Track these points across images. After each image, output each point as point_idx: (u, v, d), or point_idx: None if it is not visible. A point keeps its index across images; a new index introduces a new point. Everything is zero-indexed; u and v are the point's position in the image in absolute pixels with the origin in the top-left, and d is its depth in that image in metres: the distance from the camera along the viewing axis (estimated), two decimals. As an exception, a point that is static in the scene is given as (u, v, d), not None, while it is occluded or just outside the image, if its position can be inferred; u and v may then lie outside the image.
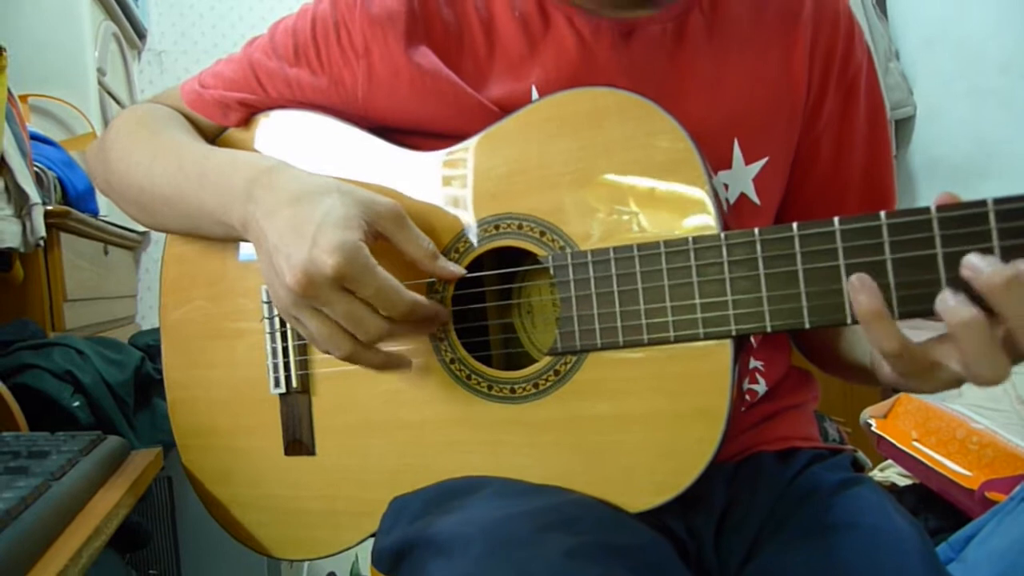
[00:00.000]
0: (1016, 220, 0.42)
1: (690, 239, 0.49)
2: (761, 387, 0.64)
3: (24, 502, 0.48)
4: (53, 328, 1.38)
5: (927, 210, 0.44)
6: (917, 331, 0.45)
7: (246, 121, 0.68)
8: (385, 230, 0.54)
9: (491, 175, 0.57)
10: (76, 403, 0.98)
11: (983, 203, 0.42)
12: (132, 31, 2.24)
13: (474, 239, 0.57)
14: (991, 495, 1.06)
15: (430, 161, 0.60)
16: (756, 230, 0.47)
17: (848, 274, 0.45)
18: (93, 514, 0.54)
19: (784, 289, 0.47)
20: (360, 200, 0.53)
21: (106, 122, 1.88)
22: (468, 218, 0.58)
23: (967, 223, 0.43)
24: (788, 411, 0.66)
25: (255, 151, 0.67)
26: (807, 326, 0.47)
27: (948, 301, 0.42)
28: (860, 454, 0.66)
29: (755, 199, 0.62)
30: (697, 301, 0.49)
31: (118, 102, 2.07)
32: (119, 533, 0.60)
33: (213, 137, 0.70)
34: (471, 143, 0.58)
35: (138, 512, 1.02)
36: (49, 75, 1.75)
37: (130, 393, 1.07)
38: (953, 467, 1.14)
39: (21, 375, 0.98)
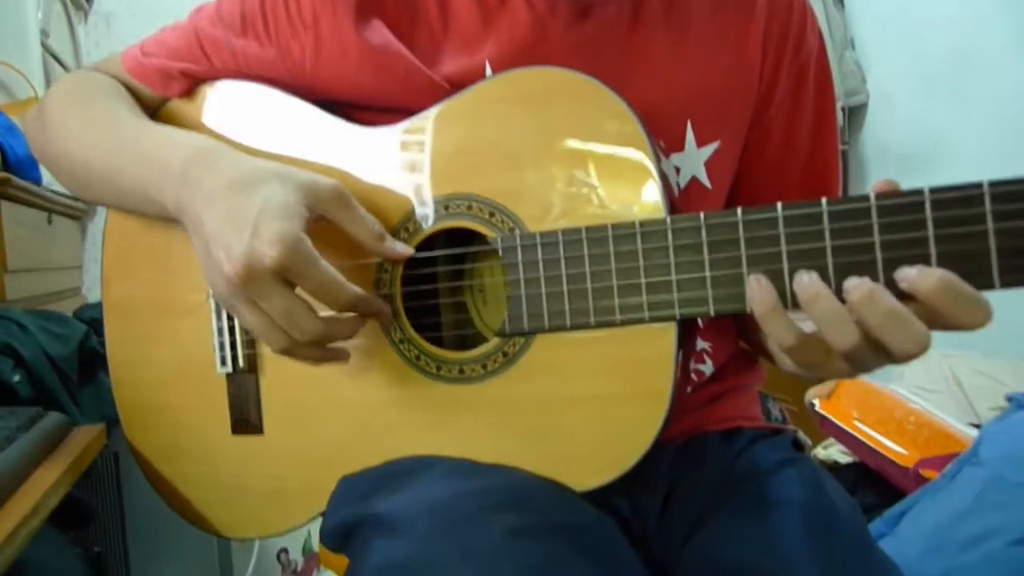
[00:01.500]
0: (949, 209, 0.43)
1: (637, 223, 0.49)
2: (708, 368, 0.65)
3: (-44, 480, 0.47)
4: (-7, 300, 1.33)
5: (866, 198, 0.45)
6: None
7: (189, 92, 0.66)
8: (328, 212, 0.53)
9: (441, 154, 0.57)
10: (16, 377, 0.95)
11: (920, 192, 0.44)
12: (78, -8, 2.15)
13: (423, 219, 0.57)
14: (925, 473, 1.11)
15: (379, 138, 0.59)
16: (701, 215, 0.48)
17: (789, 259, 0.46)
18: (31, 492, 0.53)
19: (727, 274, 0.48)
20: (301, 184, 0.52)
21: (50, 86, 1.81)
22: (417, 197, 0.57)
23: (904, 211, 0.44)
24: (733, 391, 0.68)
25: (197, 124, 0.65)
26: (748, 310, 0.47)
27: (802, 280, 0.44)
28: (801, 434, 0.68)
29: (706, 182, 0.63)
30: (643, 283, 0.49)
31: (63, 65, 1.98)
32: (62, 510, 0.59)
33: (155, 108, 0.67)
34: (421, 120, 0.58)
35: (83, 489, 1.00)
36: (-12, 36, 1.67)
37: (74, 367, 1.04)
38: (890, 445, 1.19)
39: (-43, 349, 0.95)
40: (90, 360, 1.10)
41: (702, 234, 0.48)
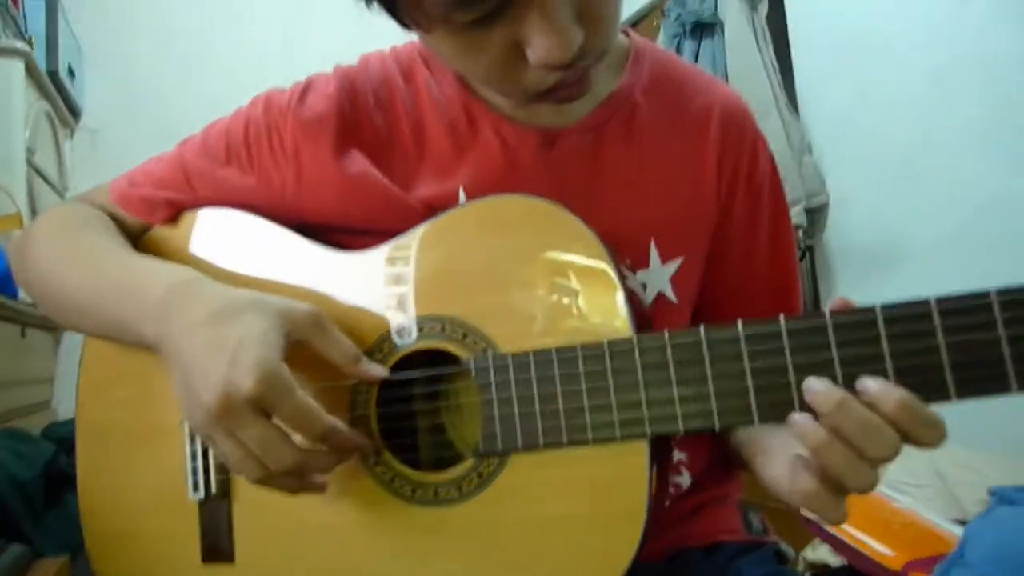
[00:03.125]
0: (901, 324, 0.45)
1: (605, 343, 0.51)
2: (686, 479, 0.65)
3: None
4: (-40, 419, 1.30)
5: (822, 315, 0.47)
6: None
7: (172, 218, 0.68)
8: (305, 337, 0.54)
9: (415, 277, 0.59)
10: (-22, 504, 0.92)
11: (871, 309, 0.46)
12: (66, 109, 2.22)
13: (399, 340, 0.58)
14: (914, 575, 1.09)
15: (355, 262, 0.61)
16: (666, 334, 0.50)
17: (753, 377, 0.48)
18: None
19: (695, 391, 0.49)
20: (277, 311, 0.53)
21: (33, 201, 1.84)
22: (393, 319, 0.59)
23: (859, 328, 0.46)
24: (713, 503, 0.67)
25: (179, 250, 0.67)
26: (717, 428, 0.48)
27: (803, 423, 0.44)
28: (783, 545, 0.68)
29: (672, 297, 0.65)
30: (613, 402, 0.50)
31: (47, 181, 2.03)
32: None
33: (138, 234, 0.69)
34: (396, 245, 0.60)
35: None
36: (-26, 155, 1.71)
37: (39, 491, 1.01)
38: (878, 548, 1.17)
39: (-81, 475, 0.92)
40: (56, 481, 1.07)
41: (668, 353, 0.50)
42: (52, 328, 1.96)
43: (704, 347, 0.49)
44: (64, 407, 1.98)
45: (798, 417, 0.45)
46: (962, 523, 1.21)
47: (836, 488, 0.45)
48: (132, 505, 0.67)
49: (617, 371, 0.50)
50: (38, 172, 1.96)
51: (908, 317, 0.45)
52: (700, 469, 0.67)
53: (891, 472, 1.49)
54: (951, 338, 0.44)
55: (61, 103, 2.15)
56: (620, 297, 0.53)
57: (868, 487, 0.44)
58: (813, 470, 0.45)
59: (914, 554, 1.13)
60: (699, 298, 0.70)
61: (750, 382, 0.48)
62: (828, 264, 2.10)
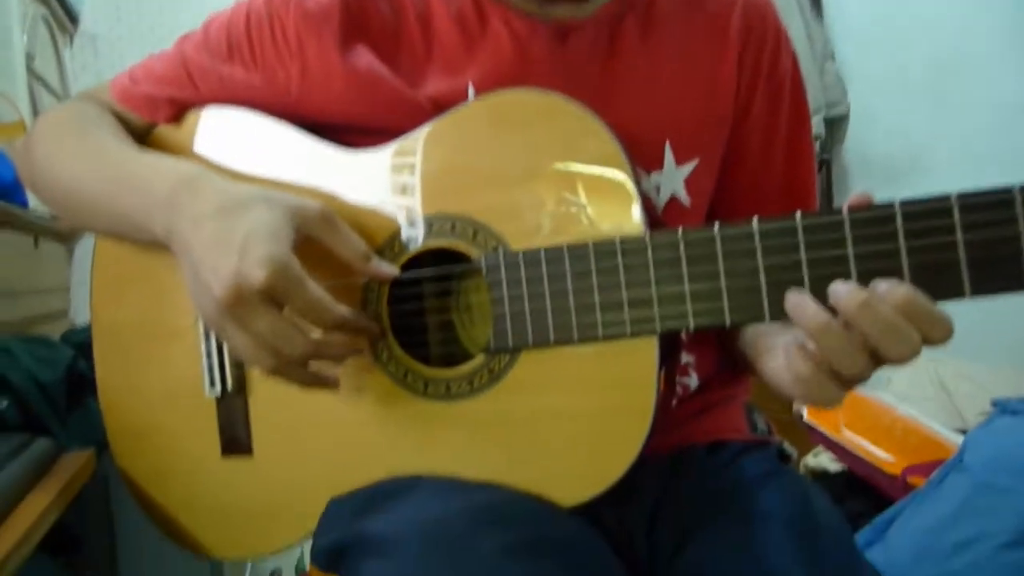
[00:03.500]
0: (919, 221, 0.44)
1: (618, 240, 0.50)
2: (693, 381, 0.66)
3: (-54, 508, 0.47)
4: (-20, 326, 1.33)
5: (839, 211, 0.46)
6: None
7: (176, 117, 0.67)
8: (315, 234, 0.54)
9: (425, 174, 0.58)
10: (4, 403, 0.95)
11: (891, 205, 0.45)
12: (63, 14, 2.15)
13: (409, 239, 0.58)
14: (912, 480, 1.12)
15: (364, 160, 0.60)
16: (680, 231, 0.49)
17: (766, 274, 0.47)
18: (22, 519, 0.53)
19: (707, 288, 0.49)
20: (287, 207, 0.52)
21: (36, 109, 1.81)
22: (402, 218, 0.58)
23: (876, 224, 0.45)
24: (720, 404, 0.68)
25: (184, 150, 0.66)
26: (727, 324, 0.49)
27: (806, 307, 0.44)
28: (786, 445, 0.69)
29: (685, 200, 0.64)
30: (624, 299, 0.50)
31: (49, 88, 1.99)
32: (52, 536, 0.58)
33: (142, 134, 0.68)
34: (405, 141, 0.59)
35: (73, 514, 1.00)
36: (-27, 60, 1.68)
37: (62, 393, 1.04)
38: (878, 453, 1.20)
39: (-56, 375, 0.94)
40: (78, 384, 1.09)
41: (680, 249, 0.49)
42: (65, 238, 1.97)
43: (717, 243, 0.48)
44: (81, 316, 2.01)
45: (795, 297, 0.44)
46: (963, 432, 1.23)
47: (832, 374, 0.45)
48: (151, 402, 0.68)
49: (629, 268, 0.50)
50: (39, 79, 1.92)
51: (928, 213, 0.44)
52: (708, 371, 0.68)
53: (895, 383, 1.51)
54: (970, 235, 0.44)
55: (58, 7, 2.09)
56: (634, 195, 0.52)
57: (864, 375, 0.44)
58: (810, 355, 0.45)
59: (914, 459, 1.16)
60: (712, 201, 0.69)
61: (763, 279, 0.47)
62: (845, 178, 2.06)
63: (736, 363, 0.67)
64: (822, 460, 1.43)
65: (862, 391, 1.38)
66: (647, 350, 0.51)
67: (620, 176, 0.52)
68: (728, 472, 0.62)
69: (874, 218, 0.45)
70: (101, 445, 0.76)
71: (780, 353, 0.49)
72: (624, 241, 0.50)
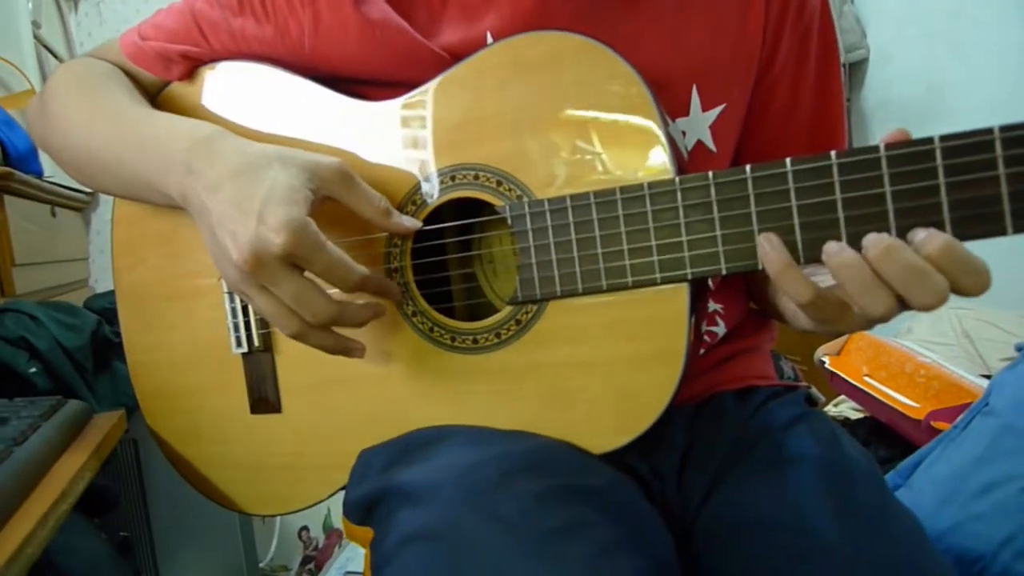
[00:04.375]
0: (960, 156, 0.43)
1: (645, 185, 0.49)
2: (720, 329, 0.65)
3: (-15, 468, 0.48)
4: (3, 294, 1.34)
5: (876, 148, 0.45)
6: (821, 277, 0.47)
7: (189, 74, 0.66)
8: (332, 192, 0.53)
9: (445, 124, 0.57)
10: (33, 369, 0.96)
11: (930, 140, 0.43)
12: (66, -19, 2.13)
13: (430, 191, 0.57)
14: (936, 424, 1.11)
15: (381, 112, 0.59)
16: (710, 173, 0.48)
17: (800, 214, 0.46)
18: (58, 478, 0.54)
19: (738, 231, 0.48)
20: (304, 166, 0.51)
21: (44, 78, 1.80)
22: (423, 170, 0.57)
23: (914, 160, 0.44)
24: (746, 352, 0.68)
25: (198, 107, 0.65)
26: (760, 267, 0.48)
27: (830, 248, 0.44)
28: (813, 390, 0.69)
29: (711, 146, 0.63)
30: (654, 244, 0.50)
31: (56, 56, 1.97)
32: (87, 497, 0.60)
33: (155, 92, 0.67)
34: (423, 92, 0.57)
35: (105, 476, 1.02)
36: (-21, 30, 1.66)
37: (88, 357, 1.05)
38: (901, 399, 1.19)
39: (-28, 343, 0.96)
40: (103, 349, 1.11)
41: (711, 192, 0.48)
42: (81, 207, 1.98)
43: (749, 185, 0.47)
44: (101, 285, 2.03)
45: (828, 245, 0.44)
46: (987, 378, 1.22)
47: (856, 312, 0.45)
48: (178, 362, 0.69)
49: (658, 213, 0.49)
50: (46, 47, 1.91)
51: (969, 147, 0.43)
52: (735, 319, 0.67)
53: (916, 329, 1.50)
54: (1012, 168, 0.42)
55: (60, -28, 2.06)
56: (662, 138, 0.50)
57: (887, 317, 0.44)
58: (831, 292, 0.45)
59: (938, 404, 1.15)
60: (738, 147, 0.67)
61: (796, 219, 0.46)
62: (865, 123, 2.02)
63: (764, 308, 0.67)
64: (843, 409, 1.43)
65: (883, 338, 1.37)
66: (678, 296, 0.50)
67: (648, 120, 0.51)
68: (758, 417, 0.62)
69: (912, 154, 0.44)
70: (129, 409, 0.77)
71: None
72: (652, 185, 0.49)
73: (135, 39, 0.66)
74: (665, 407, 0.51)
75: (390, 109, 0.59)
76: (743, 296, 0.70)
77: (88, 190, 1.97)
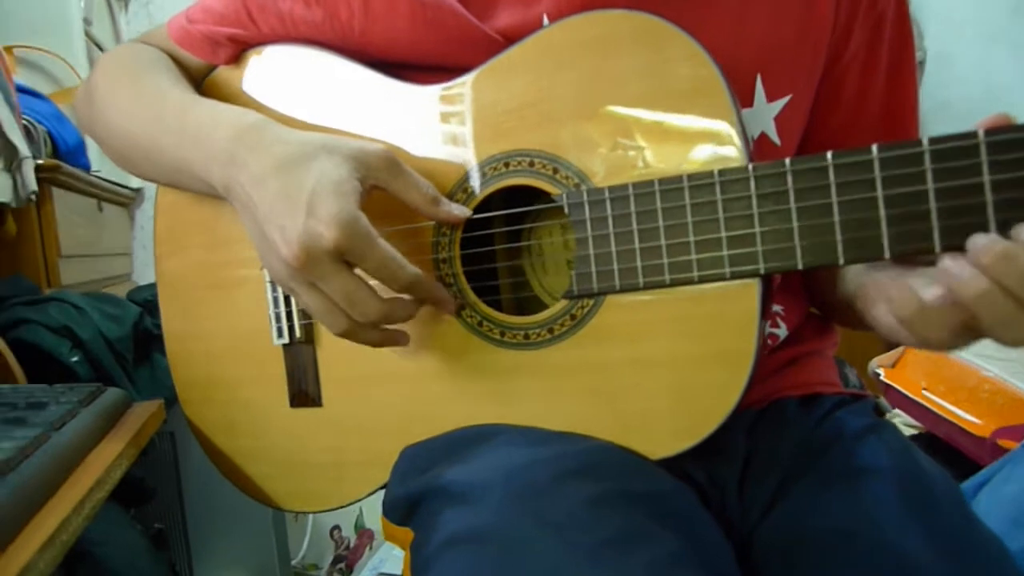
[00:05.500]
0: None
1: (716, 172, 0.46)
2: (782, 331, 0.62)
3: (23, 452, 0.46)
4: (48, 285, 1.36)
5: (974, 134, 0.41)
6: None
7: (236, 58, 0.64)
8: (379, 181, 0.51)
9: (498, 109, 0.54)
10: (75, 358, 0.96)
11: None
12: (118, -21, 2.16)
13: (481, 179, 0.54)
14: (1003, 442, 1.05)
15: (432, 96, 0.57)
16: (787, 161, 0.44)
17: (887, 205, 0.42)
18: (95, 465, 0.52)
19: (817, 223, 0.44)
20: (350, 155, 0.49)
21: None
22: (475, 156, 0.55)
23: (1019, 147, 0.40)
24: (809, 357, 0.64)
25: (244, 92, 0.64)
26: (841, 262, 0.44)
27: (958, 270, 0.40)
28: (882, 400, 0.64)
29: (775, 139, 0.60)
30: (724, 237, 0.46)
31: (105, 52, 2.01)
32: (123, 487, 0.58)
33: (201, 77, 0.66)
34: (476, 75, 0.55)
35: (142, 467, 1.02)
36: (33, 25, 1.69)
37: (129, 348, 1.05)
38: (963, 415, 1.13)
39: (16, 330, 0.96)
40: (144, 341, 1.11)
41: (788, 181, 0.45)
42: (126, 203, 2.00)
43: (831, 173, 0.43)
44: (143, 279, 2.06)
45: (951, 263, 0.40)
46: (1054, 393, 1.16)
47: (975, 334, 0.41)
48: (218, 351, 0.67)
49: (729, 202, 0.46)
50: (96, 44, 1.94)
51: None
52: (796, 321, 0.64)
53: (977, 344, 1.43)
54: None
55: (112, -29, 2.10)
56: (734, 123, 0.47)
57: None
58: (957, 316, 0.40)
59: (1003, 421, 1.09)
60: (803, 141, 0.64)
61: (882, 211, 0.43)
62: (923, 126, 1.95)
63: (829, 311, 0.63)
64: (897, 424, 1.36)
65: (942, 352, 1.31)
66: (747, 292, 0.47)
67: (719, 103, 0.47)
68: (825, 426, 0.58)
69: (1015, 140, 0.40)
70: (168, 402, 0.76)
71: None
72: (723, 173, 0.46)
73: (182, 22, 0.65)
74: (730, 412, 0.48)
75: (441, 93, 0.56)
76: (802, 297, 0.66)
77: (135, 185, 2.00)
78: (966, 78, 1.89)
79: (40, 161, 1.41)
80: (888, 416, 1.35)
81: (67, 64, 1.74)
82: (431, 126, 0.56)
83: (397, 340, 0.53)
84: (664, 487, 0.48)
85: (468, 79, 0.55)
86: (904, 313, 0.42)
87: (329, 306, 0.48)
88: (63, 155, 1.57)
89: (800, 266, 0.45)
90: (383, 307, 0.49)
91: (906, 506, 0.48)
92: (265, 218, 0.49)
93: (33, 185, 1.35)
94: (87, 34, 1.85)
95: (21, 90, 1.47)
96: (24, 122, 1.39)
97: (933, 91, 1.94)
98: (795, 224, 0.44)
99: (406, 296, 0.51)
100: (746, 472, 0.56)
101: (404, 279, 0.49)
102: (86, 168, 1.69)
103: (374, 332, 0.51)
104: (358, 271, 0.48)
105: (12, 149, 1.30)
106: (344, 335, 0.50)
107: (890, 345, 1.40)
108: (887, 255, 0.43)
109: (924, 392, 1.20)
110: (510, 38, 0.55)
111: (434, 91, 0.57)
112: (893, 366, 1.27)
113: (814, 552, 0.48)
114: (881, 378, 1.25)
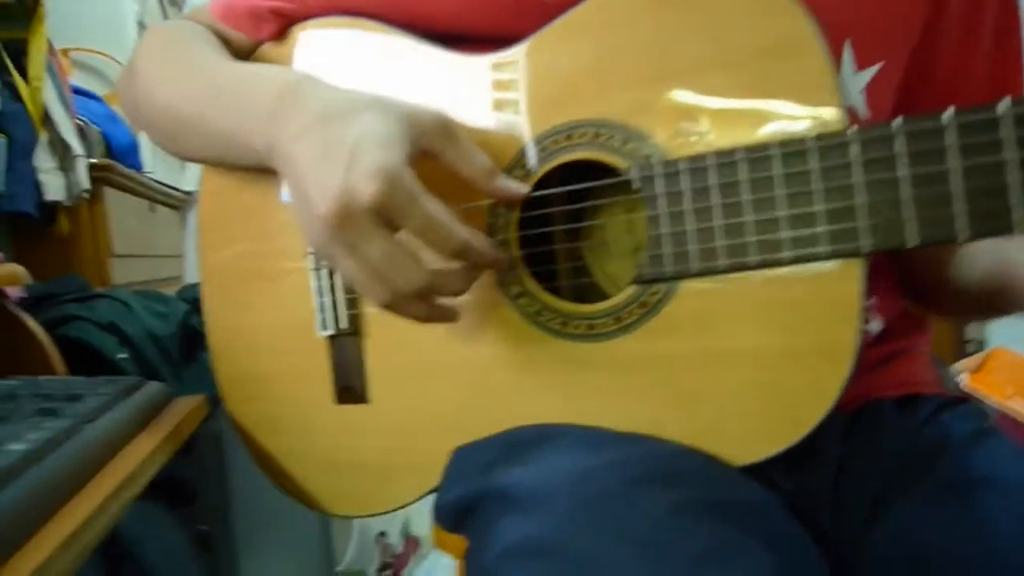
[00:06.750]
0: None
1: (812, 138, 0.40)
2: (876, 325, 0.55)
3: (51, 443, 0.43)
4: (100, 284, 1.36)
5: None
6: None
7: (280, 33, 0.61)
8: (433, 147, 0.46)
9: (559, 76, 0.49)
10: (122, 355, 0.95)
11: None
12: (172, -15, 2.20)
13: (540, 153, 0.50)
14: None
15: (486, 66, 0.52)
16: (897, 121, 0.39)
17: (1016, 169, 0.36)
18: (128, 460, 0.49)
19: (932, 191, 0.38)
20: (401, 114, 0.45)
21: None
22: (532, 129, 0.50)
23: None
24: (904, 354, 0.58)
25: (290, 67, 0.60)
26: (960, 238, 0.38)
27: None
28: (987, 404, 0.57)
29: (864, 111, 0.54)
30: (821, 210, 0.40)
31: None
32: (167, 486, 0.55)
33: (246, 55, 0.63)
34: (531, 42, 0.50)
35: (186, 468, 1.00)
36: (89, 28, 1.73)
37: (175, 346, 1.04)
38: (1061, 425, 1.04)
39: (65, 326, 0.96)
40: (191, 339, 1.09)
41: (896, 146, 0.39)
42: (178, 206, 2.03)
43: (952, 135, 0.37)
44: (193, 280, 2.07)
45: None
46: None
47: None
48: (260, 345, 0.64)
49: (828, 171, 0.40)
50: (150, 48, 1.97)
51: None
52: (891, 315, 0.57)
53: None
54: None
55: (167, -22, 2.13)
56: (832, 84, 0.41)
57: None
58: None
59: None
60: (894, 114, 0.57)
61: (1008, 177, 0.36)
62: None
63: (932, 300, 0.56)
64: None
65: (1029, 356, 1.21)
66: (847, 276, 0.41)
67: (815, 61, 0.42)
68: (927, 430, 0.51)
69: None
70: (215, 400, 0.73)
71: None
72: (822, 137, 0.40)
73: (225, -1, 0.63)
74: (826, 412, 0.42)
75: (495, 61, 0.52)
76: (896, 290, 0.60)
77: (186, 188, 2.02)
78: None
79: (93, 160, 1.42)
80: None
81: (121, 66, 1.77)
82: (485, 98, 0.52)
83: (446, 316, 0.48)
84: (753, 497, 0.42)
85: (523, 46, 0.51)
86: None
87: (369, 272, 0.44)
88: (116, 155, 1.59)
89: (911, 244, 0.39)
90: (426, 275, 0.44)
91: None
92: (304, 175, 0.44)
93: (85, 183, 1.36)
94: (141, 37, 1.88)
95: (76, 91, 1.49)
96: (78, 122, 1.41)
97: None
98: (905, 195, 0.39)
99: (456, 264, 0.47)
100: (839, 481, 0.50)
101: (455, 242, 0.44)
102: (139, 169, 1.71)
103: (420, 304, 0.46)
104: (406, 234, 0.44)
105: (66, 148, 1.31)
106: (386, 307, 0.46)
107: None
108: (1015, 230, 0.37)
109: (1013, 398, 1.10)
110: (563, 6, 0.51)
111: (487, 60, 0.52)
112: (977, 370, 1.17)
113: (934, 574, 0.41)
114: (964, 384, 1.16)
